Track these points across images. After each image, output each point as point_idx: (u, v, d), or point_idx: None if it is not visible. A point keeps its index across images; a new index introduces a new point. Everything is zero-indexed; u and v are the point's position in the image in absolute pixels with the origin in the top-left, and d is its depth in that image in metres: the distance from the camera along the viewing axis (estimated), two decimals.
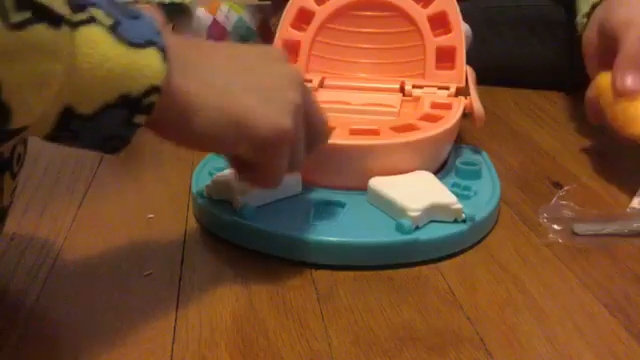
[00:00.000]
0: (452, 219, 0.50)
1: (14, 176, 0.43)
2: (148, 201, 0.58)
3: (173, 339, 0.41)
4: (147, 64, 0.35)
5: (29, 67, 0.31)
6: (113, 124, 0.36)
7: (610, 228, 0.53)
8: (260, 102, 0.41)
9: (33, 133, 0.35)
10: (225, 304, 0.45)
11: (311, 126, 0.45)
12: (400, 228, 0.49)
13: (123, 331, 0.42)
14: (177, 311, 0.44)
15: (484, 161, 0.62)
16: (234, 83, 0.41)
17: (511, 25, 0.91)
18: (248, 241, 0.51)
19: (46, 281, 0.47)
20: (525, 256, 0.51)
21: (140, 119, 0.37)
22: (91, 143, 0.37)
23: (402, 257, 0.49)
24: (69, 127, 0.35)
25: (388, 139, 0.54)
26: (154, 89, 0.36)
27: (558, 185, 0.62)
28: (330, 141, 0.53)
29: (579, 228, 0.53)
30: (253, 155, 0.43)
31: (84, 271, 0.49)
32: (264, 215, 0.51)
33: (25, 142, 0.44)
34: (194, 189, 0.56)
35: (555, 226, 0.54)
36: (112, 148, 0.38)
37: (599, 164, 0.67)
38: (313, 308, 0.44)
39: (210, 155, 0.62)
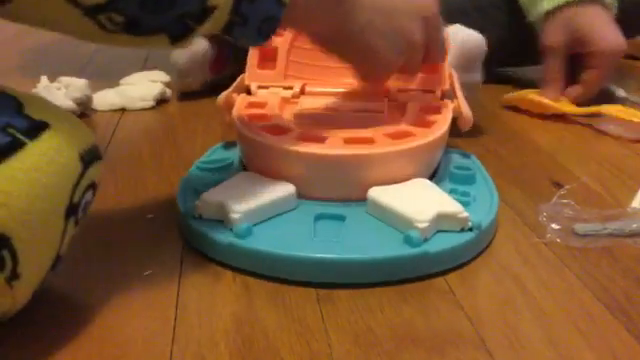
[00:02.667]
0: (459, 228, 0.49)
1: (77, 223, 0.42)
2: (148, 201, 0.58)
3: (173, 339, 0.41)
4: None
5: None
6: (268, 3, 0.45)
7: (610, 228, 0.53)
8: None
9: (215, 24, 0.44)
10: (225, 304, 0.45)
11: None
12: (408, 241, 0.47)
13: (123, 331, 0.42)
14: (177, 311, 0.44)
15: (475, 165, 0.61)
16: None
17: (500, 7, 0.91)
18: (247, 263, 0.48)
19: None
20: (525, 256, 0.50)
21: None
22: (254, 27, 0.46)
23: (412, 271, 0.47)
24: (240, 11, 0.44)
25: (385, 147, 0.53)
26: None
27: (558, 185, 0.62)
28: (326, 151, 0.52)
29: (579, 228, 0.53)
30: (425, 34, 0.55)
31: (84, 271, 0.49)
32: (261, 234, 0.48)
33: (95, 189, 0.43)
34: (182, 209, 0.53)
35: (555, 226, 0.54)
36: (268, 29, 0.47)
37: (599, 164, 0.67)
38: (313, 308, 0.44)
39: (192, 170, 0.59)
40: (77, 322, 0.43)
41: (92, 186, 0.43)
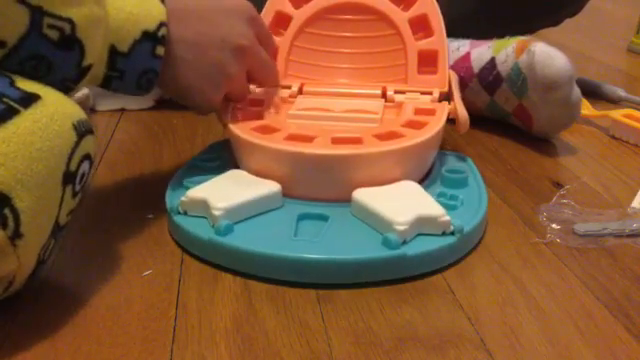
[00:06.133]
0: (440, 232, 0.49)
1: (75, 195, 0.43)
2: (148, 201, 0.58)
3: (173, 339, 0.41)
4: (153, 5, 0.49)
5: (88, 10, 0.43)
6: (144, 57, 0.49)
7: (610, 228, 0.53)
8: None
9: (92, 79, 0.47)
10: (225, 304, 0.45)
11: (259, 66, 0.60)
12: (387, 243, 0.47)
13: (123, 331, 0.42)
14: (177, 311, 0.44)
15: (469, 168, 0.60)
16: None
17: None
18: (225, 260, 0.48)
19: (45, 281, 0.47)
20: (525, 256, 0.50)
21: (160, 50, 0.49)
22: (132, 81, 0.49)
23: (389, 274, 0.47)
24: (116, 66, 0.48)
25: (372, 147, 0.52)
26: (162, 24, 0.49)
27: (558, 185, 0.62)
28: (312, 150, 0.52)
29: (579, 228, 0.53)
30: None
31: (83, 271, 0.49)
32: (243, 232, 0.49)
33: (91, 162, 0.44)
34: (168, 204, 0.53)
35: (555, 226, 0.54)
36: (147, 82, 0.50)
37: (599, 164, 0.67)
38: (313, 308, 0.44)
39: (184, 168, 0.60)
40: (77, 322, 0.43)
41: (88, 157, 0.44)
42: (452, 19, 0.66)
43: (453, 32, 0.70)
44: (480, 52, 0.73)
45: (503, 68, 0.70)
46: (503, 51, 0.70)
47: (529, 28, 0.88)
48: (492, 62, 0.71)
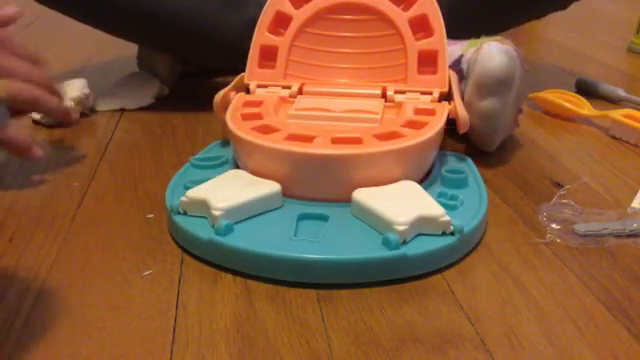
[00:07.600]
0: (440, 232, 0.49)
1: None
2: (148, 201, 0.58)
3: (173, 339, 0.41)
4: None
5: None
6: None
7: (610, 228, 0.53)
8: None
9: None
10: (225, 304, 0.45)
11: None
12: (387, 243, 0.47)
13: (123, 331, 0.42)
14: (177, 311, 0.44)
15: (469, 168, 0.60)
16: None
17: None
18: (227, 261, 0.48)
19: (45, 281, 0.47)
20: (525, 256, 0.51)
21: None
22: None
23: (389, 274, 0.47)
24: None
25: (372, 147, 0.52)
26: None
27: (558, 185, 0.62)
28: (312, 150, 0.52)
29: (579, 228, 0.53)
30: None
31: (83, 271, 0.49)
32: (243, 232, 0.49)
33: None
34: (168, 204, 0.53)
35: (555, 226, 0.54)
36: None
37: (599, 164, 0.67)
38: (313, 308, 0.44)
39: (186, 167, 0.61)
40: (77, 322, 0.43)
41: None
42: (456, 9, 0.65)
43: (459, 21, 0.69)
44: (451, 50, 0.71)
45: (465, 66, 0.68)
46: (470, 50, 0.68)
47: (538, 12, 0.88)
48: (459, 60, 0.69)
